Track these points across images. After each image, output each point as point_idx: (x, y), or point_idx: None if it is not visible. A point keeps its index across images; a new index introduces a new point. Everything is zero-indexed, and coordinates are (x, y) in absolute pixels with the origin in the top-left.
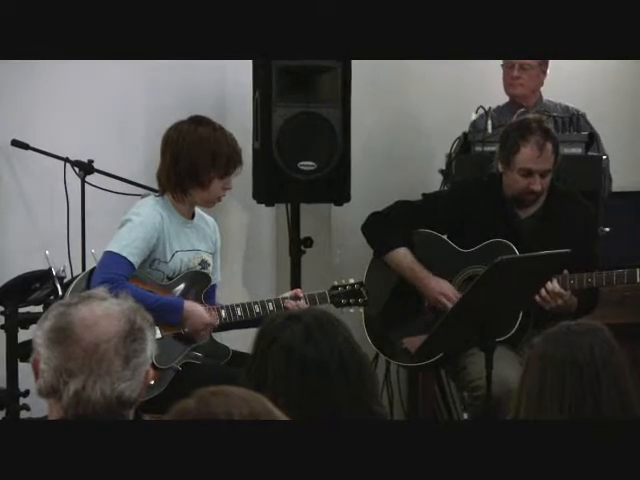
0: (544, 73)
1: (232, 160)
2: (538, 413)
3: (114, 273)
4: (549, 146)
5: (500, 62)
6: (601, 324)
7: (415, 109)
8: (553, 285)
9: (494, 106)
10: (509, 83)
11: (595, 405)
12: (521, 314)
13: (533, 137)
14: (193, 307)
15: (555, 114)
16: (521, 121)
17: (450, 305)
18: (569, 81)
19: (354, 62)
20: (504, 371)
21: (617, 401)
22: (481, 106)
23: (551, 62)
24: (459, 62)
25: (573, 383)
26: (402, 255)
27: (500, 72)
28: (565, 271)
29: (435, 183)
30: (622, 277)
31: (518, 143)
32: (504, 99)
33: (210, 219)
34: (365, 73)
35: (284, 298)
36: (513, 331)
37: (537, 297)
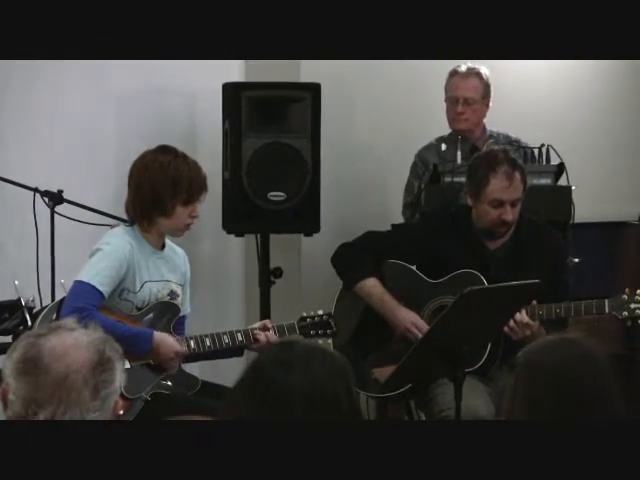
0: (487, 106)
1: (194, 186)
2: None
3: (84, 302)
4: (518, 175)
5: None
6: (589, 338)
7: (368, 137)
8: (521, 316)
9: (436, 137)
10: (453, 118)
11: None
12: (490, 344)
13: (502, 167)
14: (163, 337)
15: (524, 145)
16: (487, 153)
17: (420, 335)
18: (539, 114)
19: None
20: (473, 401)
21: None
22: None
23: (508, 94)
24: (408, 90)
25: (560, 399)
26: (371, 285)
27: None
28: (534, 301)
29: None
30: (591, 308)
31: (488, 175)
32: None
33: (180, 250)
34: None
35: (253, 329)
36: (482, 361)
37: (505, 328)
